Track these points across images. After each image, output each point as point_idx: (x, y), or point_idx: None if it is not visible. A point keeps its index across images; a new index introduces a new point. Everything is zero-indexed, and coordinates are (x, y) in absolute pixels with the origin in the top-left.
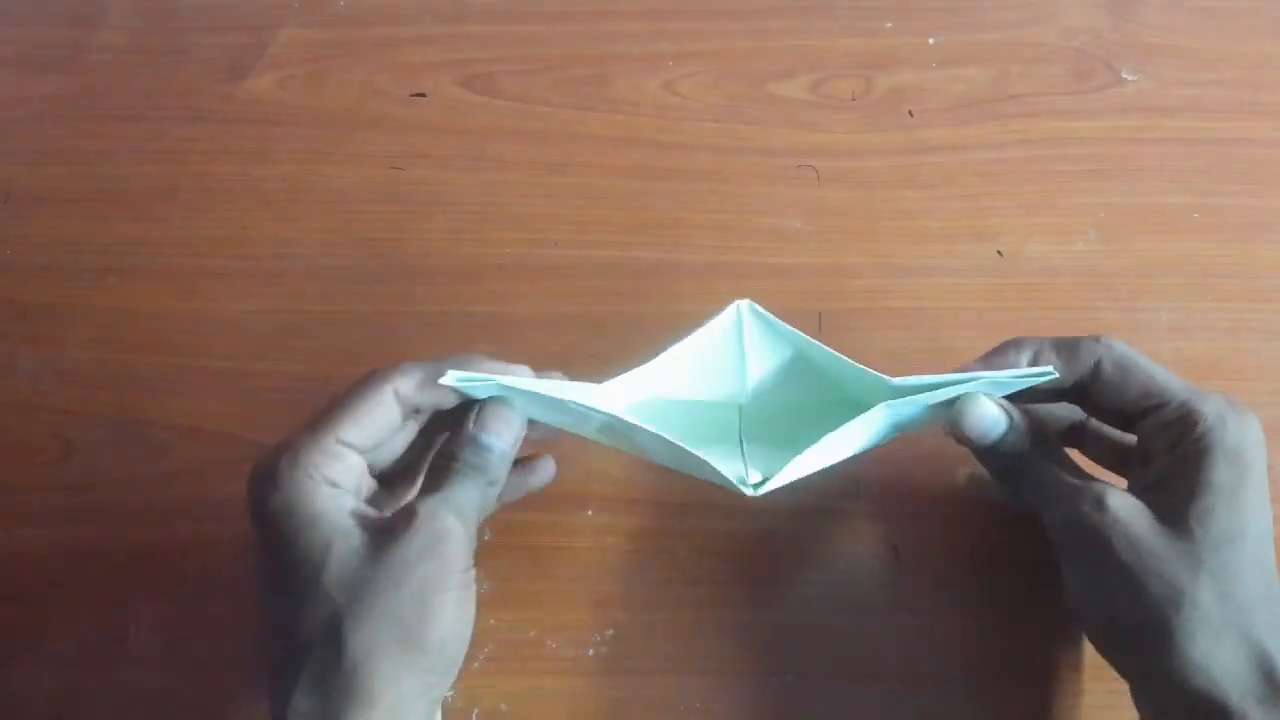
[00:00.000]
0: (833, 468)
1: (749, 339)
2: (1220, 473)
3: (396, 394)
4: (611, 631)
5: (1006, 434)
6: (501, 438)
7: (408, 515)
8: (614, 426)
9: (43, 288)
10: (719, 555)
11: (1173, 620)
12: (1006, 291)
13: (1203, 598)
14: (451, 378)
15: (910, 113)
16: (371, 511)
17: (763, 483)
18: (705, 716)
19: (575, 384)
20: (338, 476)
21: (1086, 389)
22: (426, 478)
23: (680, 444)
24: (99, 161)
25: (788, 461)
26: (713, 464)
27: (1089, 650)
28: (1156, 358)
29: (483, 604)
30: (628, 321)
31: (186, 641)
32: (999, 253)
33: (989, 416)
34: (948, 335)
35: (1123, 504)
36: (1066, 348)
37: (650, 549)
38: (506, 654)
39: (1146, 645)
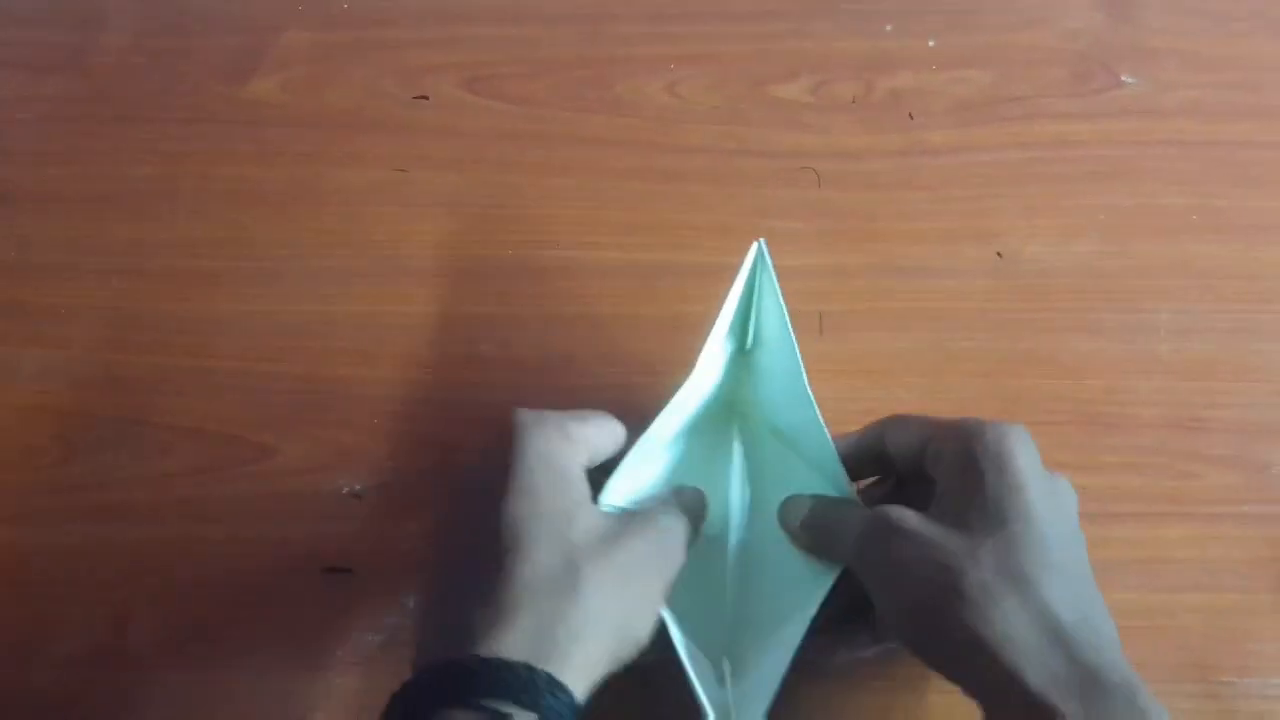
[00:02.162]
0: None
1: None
2: (984, 471)
3: (616, 438)
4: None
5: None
6: (703, 499)
7: (645, 517)
8: None
9: (43, 288)
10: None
11: (954, 598)
12: (1006, 293)
13: (978, 573)
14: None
15: (910, 115)
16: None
17: None
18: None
19: None
20: (583, 458)
21: (885, 457)
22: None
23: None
24: (101, 162)
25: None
26: (701, 696)
27: None
28: (1156, 359)
29: None
30: (628, 322)
31: (187, 642)
32: (999, 254)
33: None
34: (948, 337)
35: (899, 512)
36: (870, 431)
37: None
38: None
39: (943, 634)
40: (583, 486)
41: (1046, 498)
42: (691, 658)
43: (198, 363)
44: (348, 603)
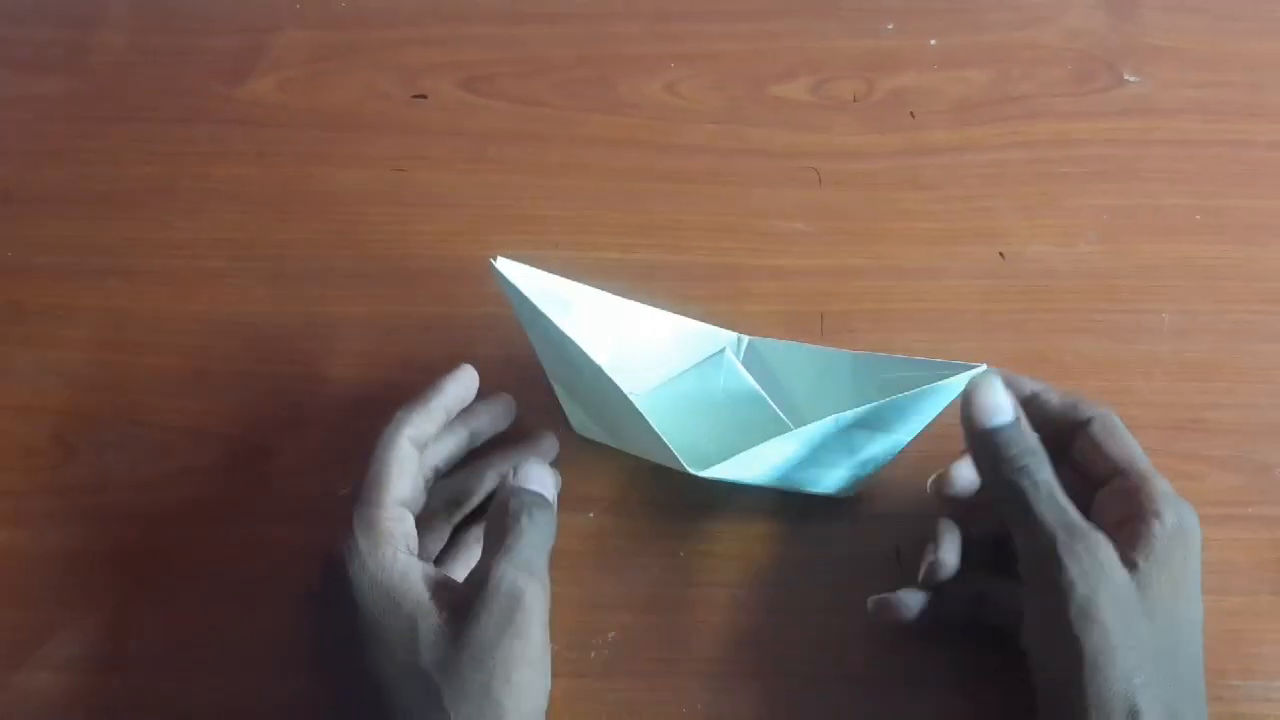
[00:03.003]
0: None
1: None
2: (1173, 541)
3: (411, 440)
4: (613, 633)
5: (1007, 426)
6: (549, 489)
7: (479, 584)
8: (597, 381)
9: (43, 288)
10: (719, 557)
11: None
12: (1008, 293)
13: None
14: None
15: (912, 114)
16: (441, 577)
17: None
18: (706, 717)
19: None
20: (406, 540)
21: (1070, 439)
22: (486, 538)
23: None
24: (99, 162)
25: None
26: (667, 444)
27: None
28: (1157, 359)
29: None
30: None
31: (187, 644)
32: (1001, 254)
33: (995, 399)
34: (950, 337)
35: (1114, 558)
36: (1071, 400)
37: (651, 551)
38: None
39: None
40: (414, 594)
41: (1199, 597)
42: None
43: (197, 363)
44: None
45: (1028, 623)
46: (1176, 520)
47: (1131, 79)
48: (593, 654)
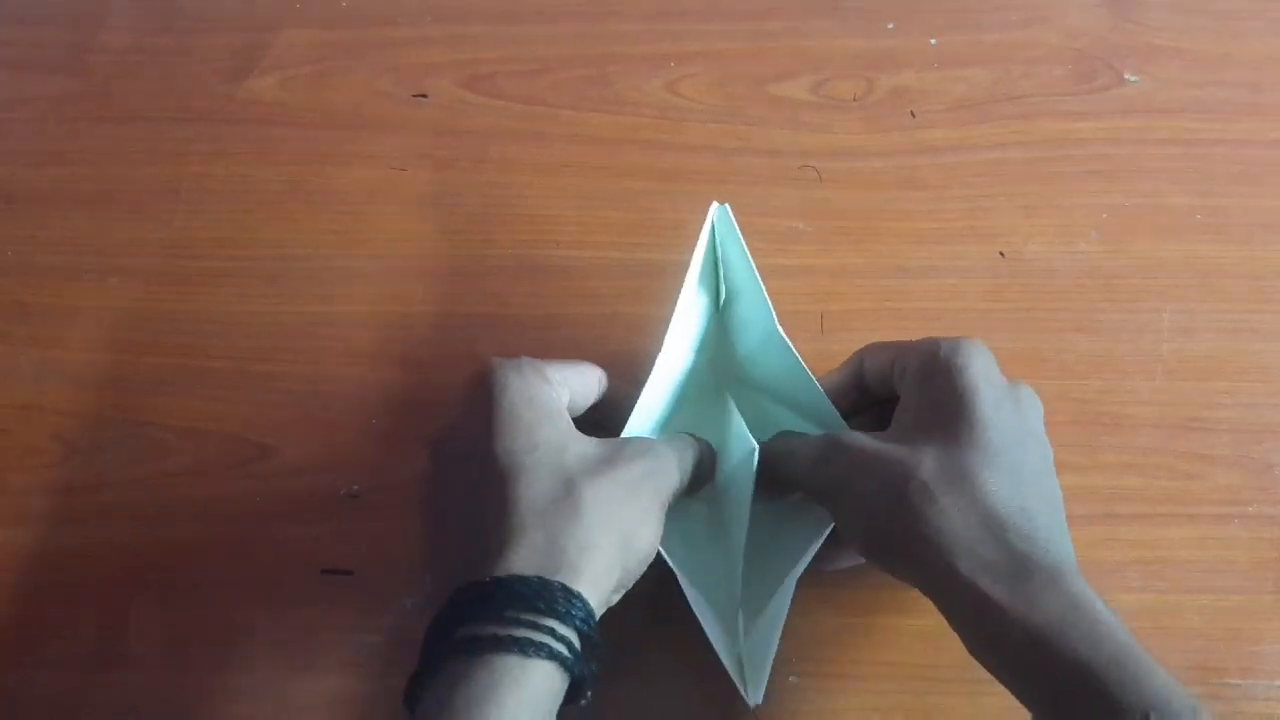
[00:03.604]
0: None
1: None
2: (938, 381)
3: (600, 382)
4: (613, 633)
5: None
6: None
7: (641, 441)
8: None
9: (43, 288)
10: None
11: (898, 504)
12: (1008, 292)
13: (920, 476)
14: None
15: (912, 113)
16: (585, 437)
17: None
18: (706, 717)
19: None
20: (563, 396)
21: (866, 387)
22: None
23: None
24: (100, 162)
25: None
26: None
27: None
28: (1158, 358)
29: None
30: (629, 323)
31: (187, 643)
32: (1001, 253)
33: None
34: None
35: (850, 433)
36: (849, 363)
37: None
38: None
39: (891, 539)
40: (568, 422)
41: (999, 403)
42: (704, 615)
43: (198, 363)
44: (346, 604)
45: (851, 539)
46: (953, 341)
47: (1132, 78)
48: None
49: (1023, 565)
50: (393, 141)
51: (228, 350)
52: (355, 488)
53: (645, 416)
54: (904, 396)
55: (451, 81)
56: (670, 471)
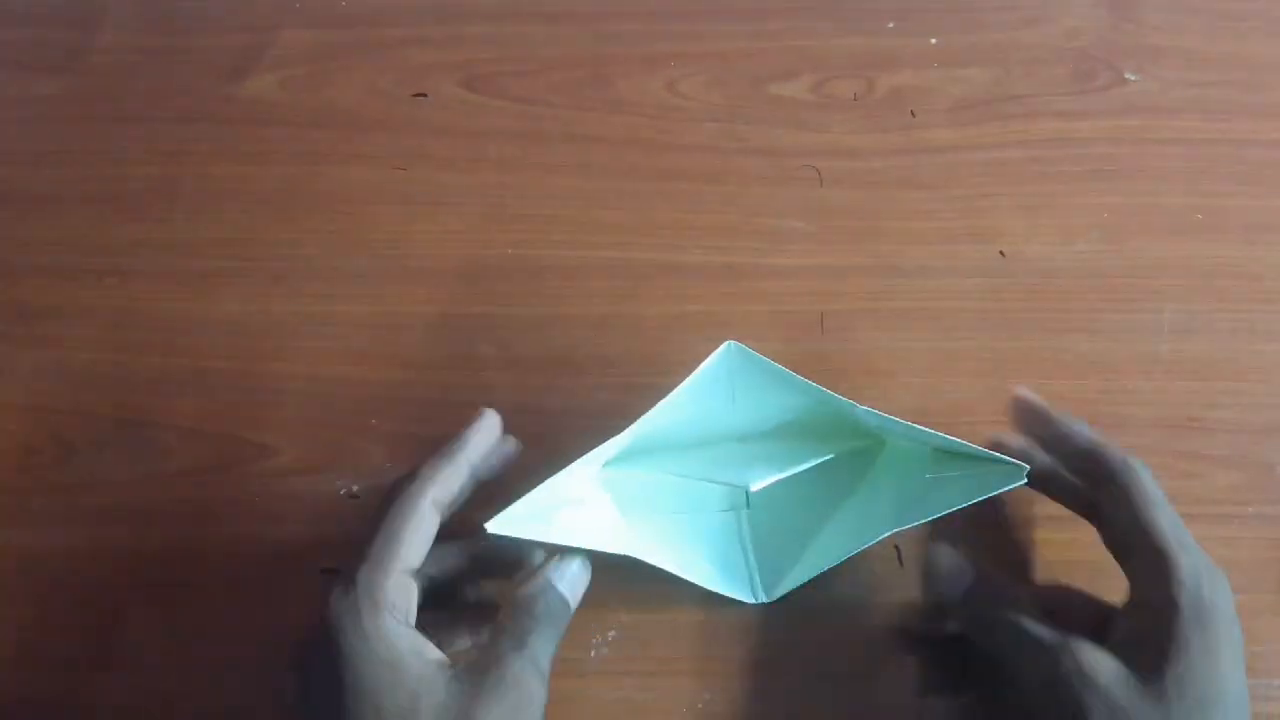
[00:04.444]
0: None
1: (737, 380)
2: (1195, 634)
3: (435, 503)
4: (613, 633)
5: (971, 586)
6: (576, 594)
7: (491, 673)
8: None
9: (43, 288)
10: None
11: None
12: (1008, 292)
13: None
14: (496, 526)
15: (912, 113)
16: (440, 656)
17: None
18: (705, 717)
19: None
20: (407, 613)
21: (1096, 491)
22: (504, 618)
23: (687, 576)
24: (99, 162)
25: (794, 567)
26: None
27: None
28: (1157, 358)
29: None
30: (628, 322)
31: (186, 643)
32: (1001, 253)
33: (951, 565)
34: (949, 336)
35: (1102, 666)
36: (1096, 447)
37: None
38: None
39: None
40: (417, 665)
41: (1239, 673)
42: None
43: (197, 363)
44: None
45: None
46: (1194, 602)
47: (1132, 78)
48: (592, 654)
49: None
50: (393, 141)
51: (227, 350)
52: (355, 488)
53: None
54: (1133, 613)
55: (451, 81)
56: (533, 702)
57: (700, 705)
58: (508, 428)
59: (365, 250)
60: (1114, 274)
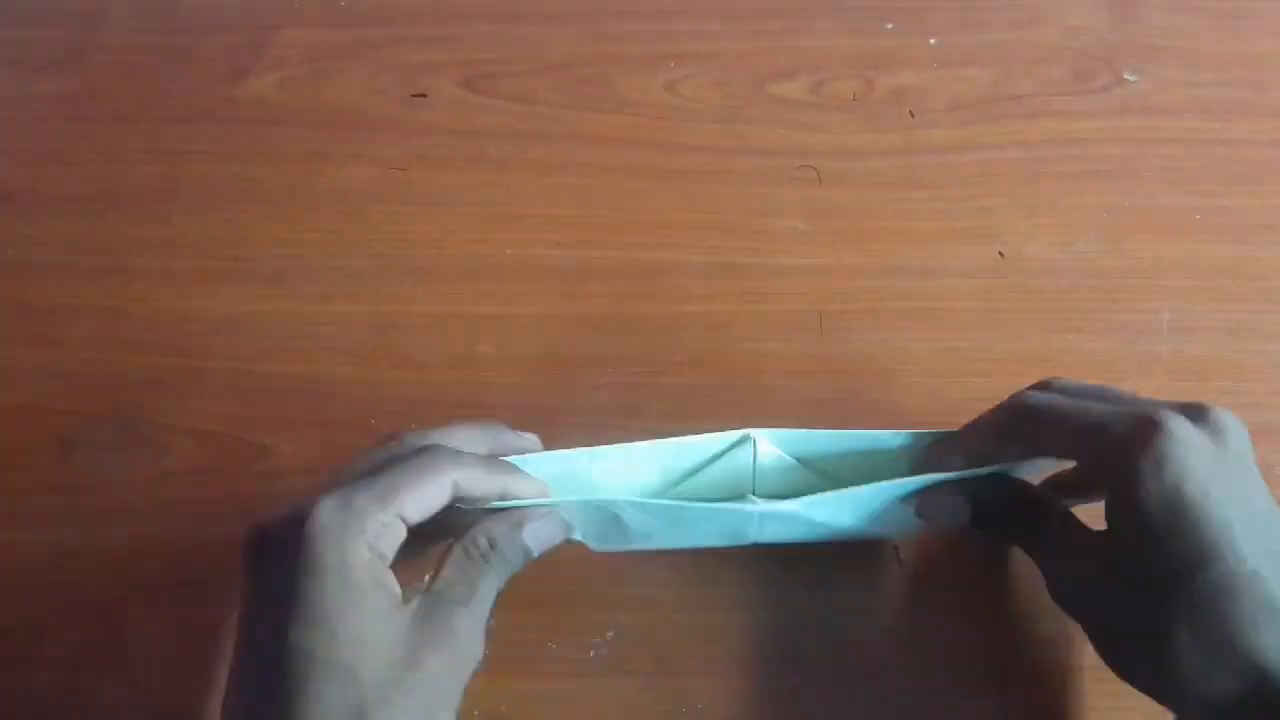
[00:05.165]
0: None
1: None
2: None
3: (455, 484)
4: (612, 633)
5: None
6: (541, 545)
7: (446, 628)
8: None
9: (43, 288)
10: (718, 556)
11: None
12: (1008, 292)
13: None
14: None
15: (911, 113)
16: (403, 604)
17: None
18: (705, 717)
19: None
20: (387, 549)
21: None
22: (455, 555)
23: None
24: (99, 161)
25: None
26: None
27: (1090, 652)
28: (1158, 359)
29: None
30: (628, 322)
31: (186, 643)
32: (1000, 253)
33: (951, 510)
34: (949, 336)
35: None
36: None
37: (650, 551)
38: (507, 656)
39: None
40: (378, 599)
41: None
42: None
43: (197, 363)
44: None
45: (1112, 525)
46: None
47: (1132, 78)
48: (592, 654)
49: None
50: (392, 141)
51: (227, 350)
52: None
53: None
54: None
55: (451, 81)
56: (472, 653)
57: (700, 705)
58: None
59: (365, 250)
60: (1114, 274)
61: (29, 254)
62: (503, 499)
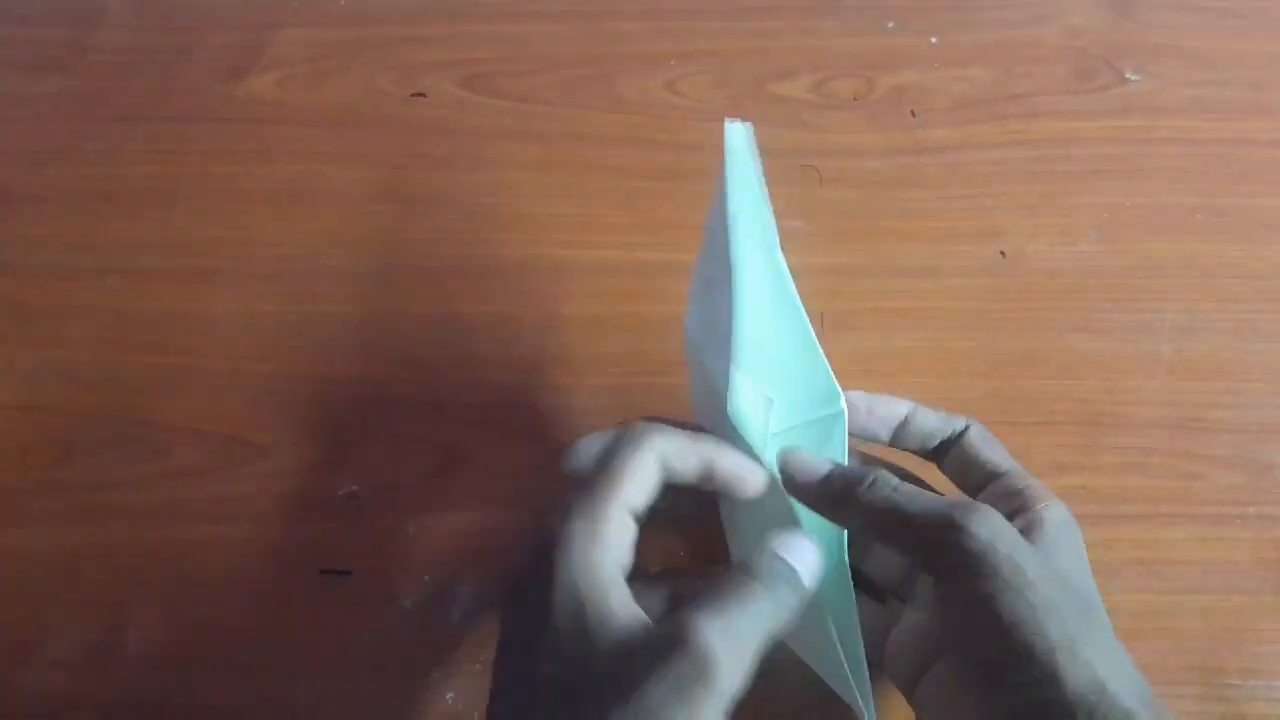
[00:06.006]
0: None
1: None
2: (1062, 538)
3: (660, 457)
4: None
5: (834, 468)
6: (806, 566)
7: (669, 635)
8: None
9: (43, 288)
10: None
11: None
12: (1009, 292)
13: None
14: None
15: (912, 113)
16: (638, 613)
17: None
18: None
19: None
20: (620, 552)
21: (943, 454)
22: (711, 586)
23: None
24: (99, 161)
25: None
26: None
27: None
28: (1158, 359)
29: None
30: (628, 322)
31: (186, 643)
32: (1001, 253)
33: (805, 460)
34: (950, 336)
35: (996, 522)
36: (943, 413)
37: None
38: None
39: (1016, 666)
40: (621, 608)
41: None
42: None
43: (196, 363)
44: (346, 604)
45: (946, 621)
46: (1063, 513)
47: (1133, 77)
48: None
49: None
50: (392, 141)
51: (226, 350)
52: (355, 488)
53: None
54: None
55: (450, 81)
56: (718, 665)
57: None
58: (508, 428)
59: (365, 250)
60: (1114, 274)
61: (29, 254)
62: (710, 474)
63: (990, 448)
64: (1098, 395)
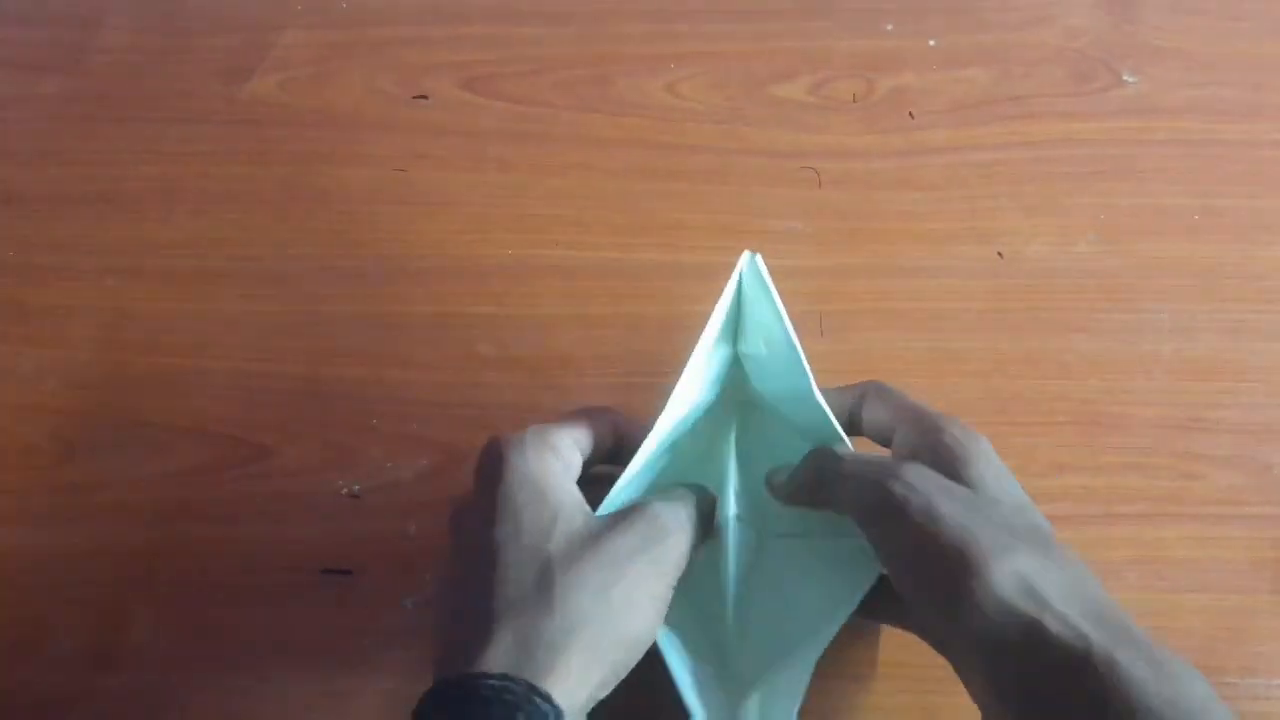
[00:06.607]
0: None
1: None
2: (969, 445)
3: (615, 425)
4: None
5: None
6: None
7: (636, 513)
8: None
9: (43, 288)
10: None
11: (974, 556)
12: (1008, 293)
13: (989, 535)
14: None
15: (911, 114)
16: (586, 504)
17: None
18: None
19: None
20: (568, 466)
21: (858, 421)
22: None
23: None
24: (99, 162)
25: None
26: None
27: None
28: (1158, 359)
29: None
30: (628, 322)
31: (186, 642)
32: (1000, 254)
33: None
34: (949, 337)
35: (921, 473)
36: (846, 387)
37: None
38: None
39: (954, 584)
40: (563, 495)
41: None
42: (680, 658)
43: (197, 363)
44: (346, 604)
45: (888, 564)
46: (961, 428)
47: (1131, 79)
48: None
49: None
50: (393, 142)
51: (227, 350)
52: (355, 488)
53: (641, 463)
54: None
55: (451, 82)
56: (670, 538)
57: None
58: (507, 428)
59: (365, 250)
60: (1114, 274)
61: (30, 254)
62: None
63: (888, 397)
64: (1097, 395)
